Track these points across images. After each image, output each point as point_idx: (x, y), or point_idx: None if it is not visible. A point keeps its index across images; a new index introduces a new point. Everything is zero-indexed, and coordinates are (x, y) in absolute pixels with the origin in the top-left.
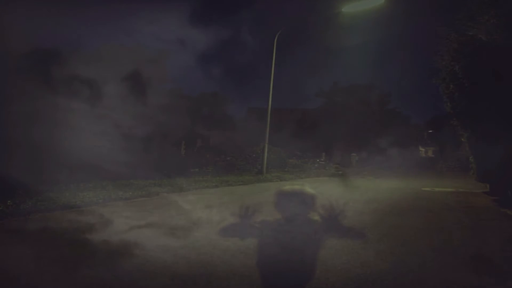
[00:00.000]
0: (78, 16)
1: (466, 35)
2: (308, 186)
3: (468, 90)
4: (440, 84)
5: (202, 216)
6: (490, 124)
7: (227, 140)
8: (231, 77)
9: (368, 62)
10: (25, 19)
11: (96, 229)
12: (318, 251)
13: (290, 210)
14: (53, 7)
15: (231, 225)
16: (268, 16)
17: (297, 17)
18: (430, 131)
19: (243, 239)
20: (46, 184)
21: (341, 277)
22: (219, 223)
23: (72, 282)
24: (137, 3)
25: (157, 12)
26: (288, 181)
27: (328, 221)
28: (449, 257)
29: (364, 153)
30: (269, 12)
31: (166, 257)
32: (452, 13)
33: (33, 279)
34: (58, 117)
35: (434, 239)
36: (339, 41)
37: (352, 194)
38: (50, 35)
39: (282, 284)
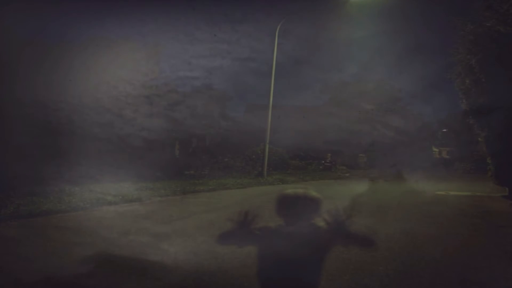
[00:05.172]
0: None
1: (483, 26)
2: (312, 189)
3: (485, 85)
4: (455, 79)
5: (198, 223)
6: (510, 122)
7: (224, 140)
8: (229, 71)
9: (376, 56)
10: None
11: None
12: (323, 259)
13: (293, 216)
14: None
15: (229, 232)
16: (268, 7)
17: (301, 8)
18: (444, 130)
19: (242, 247)
20: (31, 186)
21: None
22: (216, 229)
23: None
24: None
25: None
26: (290, 184)
27: (334, 227)
28: (464, 267)
29: (373, 153)
30: (268, 4)
31: (160, 266)
32: (469, 3)
33: None
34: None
35: (448, 248)
36: (346, 33)
37: (360, 198)
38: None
39: None
